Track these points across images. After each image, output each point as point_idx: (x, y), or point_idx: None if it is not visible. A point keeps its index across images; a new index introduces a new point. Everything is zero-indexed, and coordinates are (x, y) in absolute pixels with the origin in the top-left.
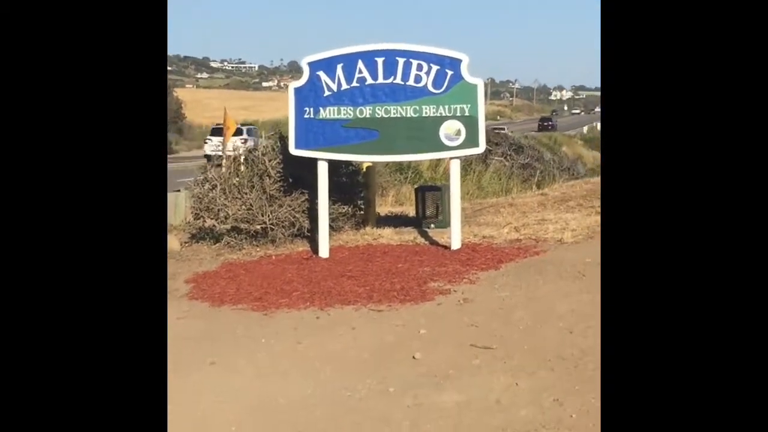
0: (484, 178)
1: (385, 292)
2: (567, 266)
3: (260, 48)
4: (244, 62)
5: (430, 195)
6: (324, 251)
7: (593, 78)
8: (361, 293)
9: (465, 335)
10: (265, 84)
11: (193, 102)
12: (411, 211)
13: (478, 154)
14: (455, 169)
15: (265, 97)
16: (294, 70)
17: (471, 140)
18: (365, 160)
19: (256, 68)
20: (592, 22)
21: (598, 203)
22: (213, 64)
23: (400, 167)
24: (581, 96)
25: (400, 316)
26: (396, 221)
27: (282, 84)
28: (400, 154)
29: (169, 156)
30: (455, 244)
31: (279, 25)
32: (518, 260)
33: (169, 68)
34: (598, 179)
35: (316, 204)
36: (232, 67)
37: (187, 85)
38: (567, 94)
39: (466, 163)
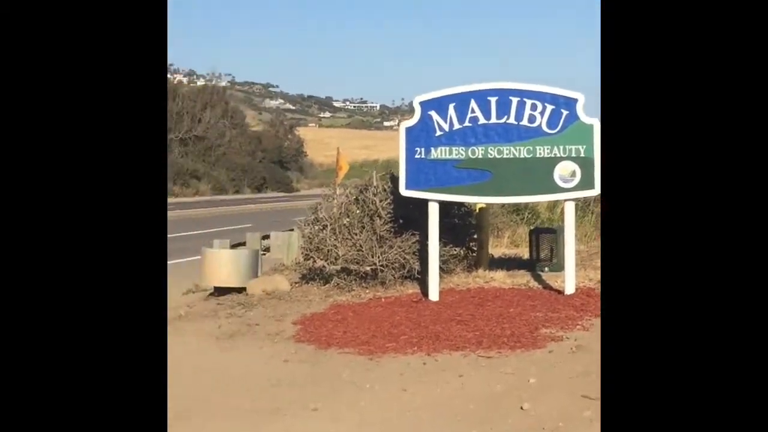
0: (587, 218)
1: (495, 337)
2: None
3: (382, 88)
4: (365, 102)
5: (545, 237)
6: (434, 294)
7: None
8: (470, 339)
9: (577, 385)
10: (386, 123)
11: (315, 141)
12: (526, 253)
13: (596, 196)
14: (570, 212)
15: (386, 137)
16: (414, 110)
17: (586, 182)
18: (477, 201)
19: (378, 108)
20: None
21: None
22: (335, 104)
23: (516, 208)
24: None
25: (509, 364)
26: (509, 263)
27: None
28: (513, 195)
29: (289, 194)
30: (569, 289)
31: (401, 65)
32: None
33: (292, 107)
34: None
35: (427, 245)
36: (354, 106)
37: (310, 125)
38: None
39: (584, 204)
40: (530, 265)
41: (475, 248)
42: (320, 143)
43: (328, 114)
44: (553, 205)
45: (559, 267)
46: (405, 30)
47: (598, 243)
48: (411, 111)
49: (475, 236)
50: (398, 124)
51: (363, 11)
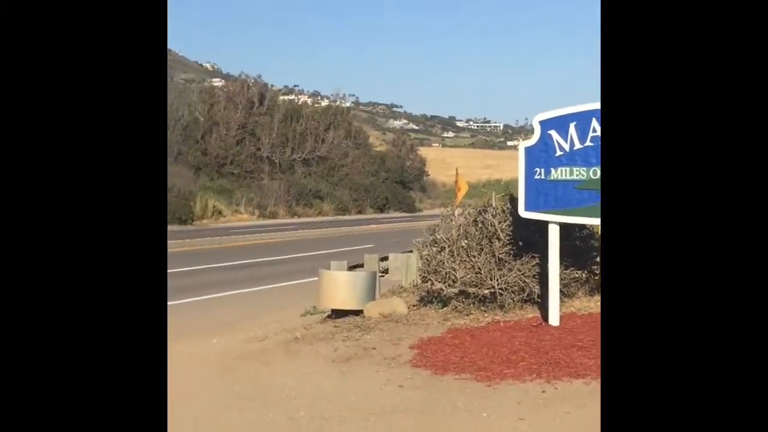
0: None
1: None
2: None
3: (506, 107)
4: (489, 121)
5: None
6: (554, 319)
7: None
8: (592, 366)
9: None
10: (509, 143)
11: (437, 161)
12: None
13: None
14: None
15: (509, 156)
16: None
17: None
18: (598, 224)
19: (501, 127)
20: None
21: None
22: (459, 124)
23: None
24: None
25: None
26: None
27: None
28: None
29: (411, 214)
30: None
31: (524, 85)
32: None
33: (416, 127)
34: None
35: (547, 268)
36: (478, 126)
37: (433, 144)
38: None
39: None
40: None
41: (597, 272)
42: (442, 163)
43: (451, 134)
44: None
45: None
46: (530, 48)
47: None
48: (533, 130)
49: (597, 259)
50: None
51: (487, 32)
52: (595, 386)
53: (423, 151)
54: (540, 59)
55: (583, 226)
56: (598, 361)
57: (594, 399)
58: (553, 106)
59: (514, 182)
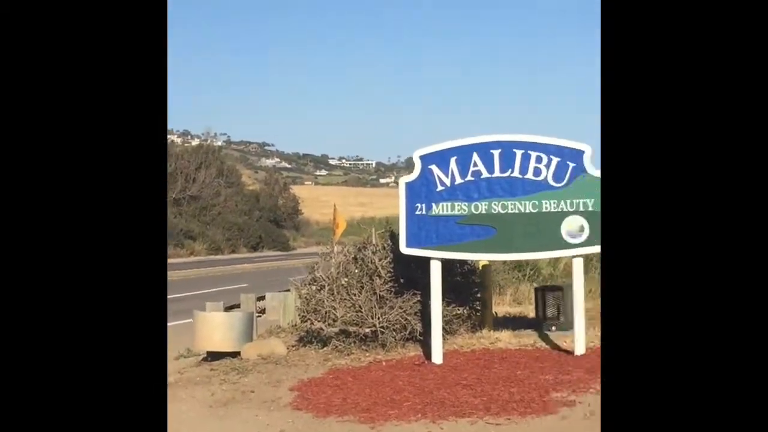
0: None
1: (504, 403)
2: None
3: (377, 145)
4: (361, 159)
5: (551, 295)
6: (437, 357)
7: None
8: (478, 404)
9: None
10: (382, 180)
11: (311, 199)
12: (530, 311)
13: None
14: (578, 269)
15: (382, 194)
16: (411, 166)
17: (596, 237)
18: (481, 258)
19: (374, 165)
20: None
21: None
22: (331, 162)
23: (518, 264)
24: None
25: (521, 431)
26: (515, 323)
27: (399, 180)
28: (519, 252)
29: (285, 252)
30: (579, 350)
31: (396, 121)
32: None
33: (288, 166)
34: None
35: (429, 306)
36: (350, 164)
37: (306, 183)
38: None
39: (587, 259)
40: (537, 325)
41: (479, 307)
42: (316, 201)
43: (324, 171)
44: (555, 261)
45: (567, 326)
46: (401, 86)
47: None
48: (408, 167)
49: (479, 295)
50: (395, 181)
51: (358, 68)
52: (482, 425)
53: (296, 190)
54: (411, 98)
55: (464, 262)
56: (484, 399)
57: None
58: (425, 143)
59: (389, 219)
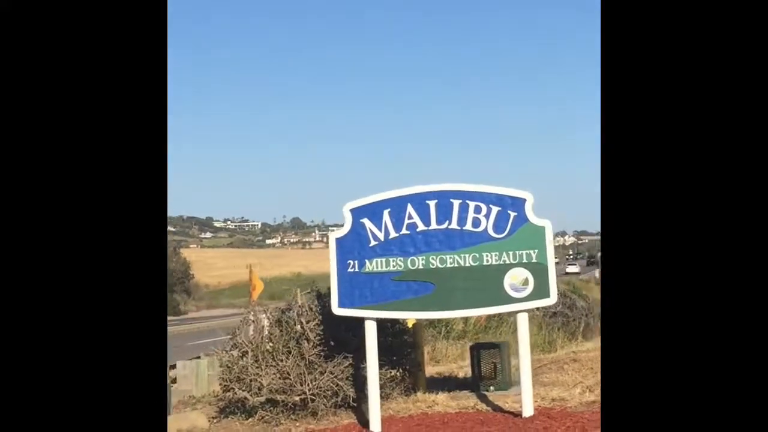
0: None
1: None
2: None
3: (263, 206)
4: (246, 220)
5: (487, 353)
6: (375, 425)
7: (594, 223)
8: None
9: None
10: (268, 241)
11: (198, 262)
12: (455, 369)
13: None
14: (523, 324)
15: (270, 255)
16: (296, 226)
17: (540, 290)
18: (420, 317)
19: (259, 226)
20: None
21: None
22: (216, 224)
23: (430, 321)
24: (584, 240)
25: None
26: (448, 383)
27: (285, 240)
28: (460, 309)
29: (177, 317)
30: (527, 411)
31: (280, 182)
32: None
33: (173, 229)
34: None
35: (362, 369)
36: (235, 225)
37: (191, 245)
38: (570, 239)
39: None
40: (472, 385)
41: (412, 369)
42: (204, 264)
43: (209, 234)
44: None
45: (505, 385)
46: (285, 148)
47: (537, 357)
48: (293, 227)
49: (411, 356)
50: (281, 242)
51: (237, 130)
52: None
53: (183, 253)
54: (295, 161)
55: (396, 321)
56: None
57: None
58: (316, 205)
59: (276, 280)
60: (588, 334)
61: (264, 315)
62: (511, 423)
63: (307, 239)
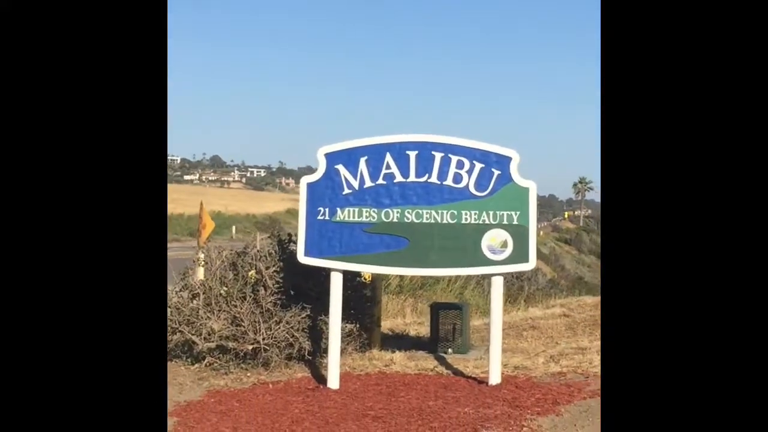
0: (467, 291)
1: None
2: None
3: (183, 141)
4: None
5: (447, 314)
6: (334, 381)
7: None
8: None
9: None
10: (186, 177)
11: None
12: (400, 326)
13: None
14: (497, 289)
15: (190, 191)
16: (216, 164)
17: (520, 254)
18: (391, 272)
19: (179, 161)
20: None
21: None
22: None
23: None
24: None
25: None
26: (403, 342)
27: (204, 178)
28: (434, 267)
29: None
30: (494, 379)
31: (203, 118)
32: (577, 402)
33: None
34: None
35: (319, 322)
36: None
37: None
38: None
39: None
40: (429, 346)
41: (370, 324)
42: None
43: None
44: None
45: (465, 348)
46: (211, 83)
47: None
48: (212, 165)
49: (370, 311)
50: (199, 179)
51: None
52: None
53: None
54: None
55: (356, 274)
56: None
57: None
58: (231, 146)
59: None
60: (531, 300)
61: (219, 257)
62: (476, 390)
63: (225, 178)
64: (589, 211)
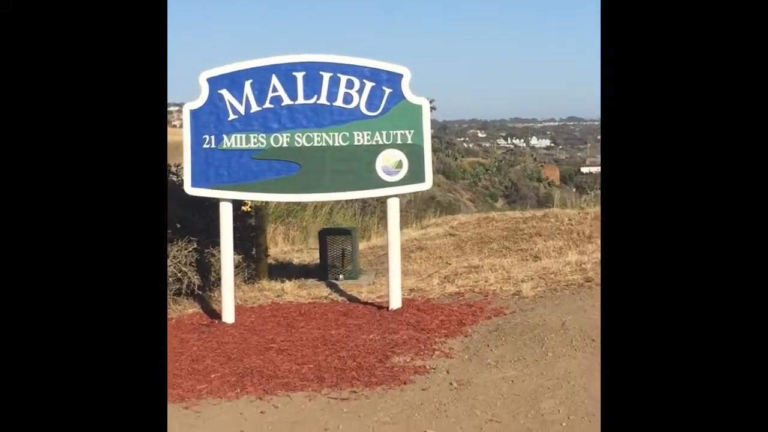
0: (337, 215)
1: (338, 371)
2: (570, 331)
3: None
4: None
5: (336, 239)
6: (229, 315)
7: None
8: (306, 374)
9: None
10: None
11: None
12: (285, 255)
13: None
14: (394, 210)
15: None
16: None
17: (415, 174)
18: (283, 199)
19: None
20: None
21: (528, 245)
22: None
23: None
24: None
25: (379, 408)
26: (289, 271)
27: None
28: (327, 192)
29: None
30: (395, 303)
31: None
32: (483, 322)
33: None
34: (499, 214)
35: (207, 254)
36: None
37: None
38: None
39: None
40: (319, 273)
41: (256, 255)
42: None
43: None
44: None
45: (355, 274)
46: None
47: (379, 241)
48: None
49: (255, 240)
50: None
51: None
52: (326, 401)
53: None
54: None
55: (241, 203)
56: (311, 368)
57: (337, 419)
58: None
59: None
60: (402, 222)
61: None
62: (378, 316)
63: None
64: (431, 131)
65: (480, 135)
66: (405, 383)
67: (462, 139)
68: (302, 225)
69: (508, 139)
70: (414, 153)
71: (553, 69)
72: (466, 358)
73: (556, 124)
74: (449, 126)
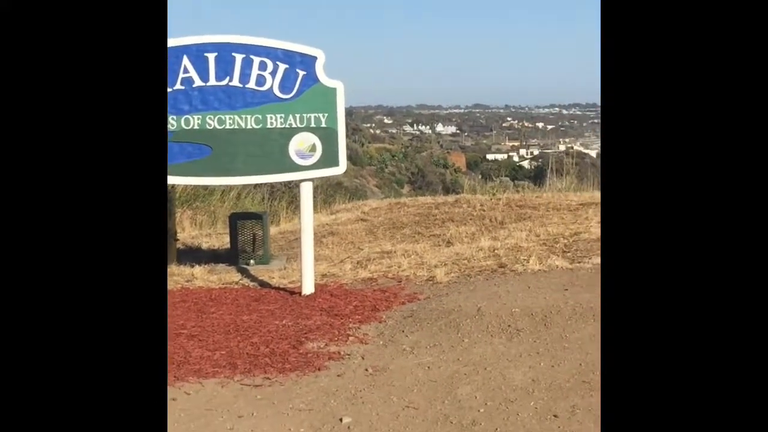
0: (246, 200)
1: (251, 357)
2: (486, 317)
3: None
4: None
5: (247, 224)
6: None
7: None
8: (218, 360)
9: (407, 425)
10: None
11: None
12: (193, 239)
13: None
14: (307, 194)
15: None
16: None
17: (329, 158)
18: (194, 183)
19: None
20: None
21: (440, 231)
22: None
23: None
24: None
25: (294, 395)
26: (199, 256)
27: None
28: (240, 175)
29: None
30: (308, 288)
31: None
32: (397, 307)
33: None
34: (410, 200)
35: None
36: None
37: None
38: None
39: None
40: (229, 258)
41: (177, 239)
42: None
43: None
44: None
45: (267, 259)
46: None
47: (289, 226)
48: None
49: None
50: None
51: None
52: (239, 388)
53: None
54: None
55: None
56: (223, 354)
57: (251, 406)
58: None
59: None
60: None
61: None
62: (290, 301)
63: None
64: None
65: (386, 121)
66: (319, 369)
67: (368, 125)
68: (210, 209)
69: (414, 125)
70: (328, 137)
71: (459, 57)
72: (381, 344)
73: (462, 111)
74: (355, 112)
